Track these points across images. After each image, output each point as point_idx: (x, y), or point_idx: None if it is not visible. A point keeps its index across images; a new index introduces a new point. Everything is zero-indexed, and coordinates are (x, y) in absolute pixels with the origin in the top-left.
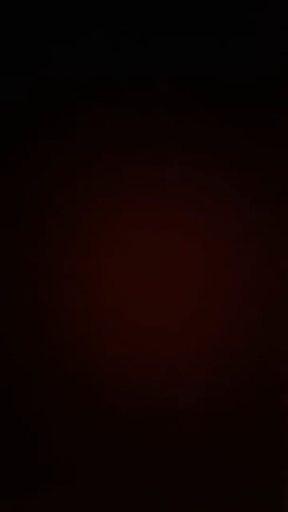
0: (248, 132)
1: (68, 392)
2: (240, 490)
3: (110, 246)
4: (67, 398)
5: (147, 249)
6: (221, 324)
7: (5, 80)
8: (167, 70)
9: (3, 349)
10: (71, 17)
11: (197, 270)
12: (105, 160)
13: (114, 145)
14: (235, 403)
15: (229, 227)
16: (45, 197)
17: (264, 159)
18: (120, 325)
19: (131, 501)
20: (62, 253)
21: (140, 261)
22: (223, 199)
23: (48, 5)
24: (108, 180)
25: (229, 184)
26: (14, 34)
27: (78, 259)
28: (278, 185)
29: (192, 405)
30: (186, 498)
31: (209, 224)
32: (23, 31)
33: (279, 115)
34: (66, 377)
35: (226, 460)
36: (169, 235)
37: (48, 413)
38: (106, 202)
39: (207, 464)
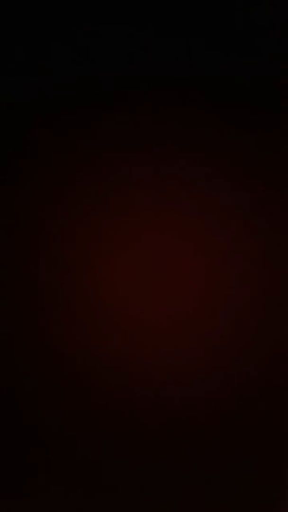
0: (248, 134)
1: (68, 389)
2: (240, 490)
3: (111, 245)
4: (67, 395)
5: (148, 248)
6: (223, 323)
7: (4, 80)
8: (167, 71)
9: (2, 346)
10: (71, 16)
11: (198, 270)
12: (105, 161)
13: (114, 146)
14: (236, 401)
15: (230, 228)
16: (45, 198)
17: (265, 161)
18: (121, 323)
19: (131, 499)
20: (62, 252)
21: (141, 260)
22: (223, 200)
23: (48, 4)
24: (109, 181)
25: (230, 186)
26: (14, 33)
27: (78, 257)
28: (279, 187)
29: (193, 403)
30: (186, 497)
31: (209, 224)
32: (23, 30)
33: (279, 117)
34: (66, 373)
35: (226, 459)
36: (170, 235)
37: (48, 410)
38: (107, 202)
39: (207, 462)
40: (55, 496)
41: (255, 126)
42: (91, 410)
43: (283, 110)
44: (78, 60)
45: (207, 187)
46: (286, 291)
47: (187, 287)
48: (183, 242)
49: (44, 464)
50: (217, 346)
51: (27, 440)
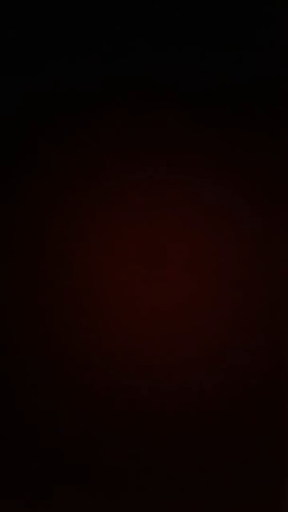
0: (247, 139)
1: (67, 385)
2: (239, 489)
3: (111, 245)
4: (65, 391)
5: (147, 249)
6: (223, 322)
7: (4, 85)
8: (167, 77)
9: (4, 345)
10: (72, 22)
11: (196, 271)
12: (105, 166)
13: (113, 151)
14: (235, 400)
15: (228, 231)
16: (46, 201)
17: (263, 165)
18: (120, 320)
19: (131, 498)
20: (62, 251)
21: (140, 262)
22: (223, 203)
23: (49, 11)
24: (108, 185)
25: (230, 190)
26: (15, 39)
27: (78, 257)
28: (277, 191)
29: (192, 401)
30: (185, 497)
31: (208, 227)
32: (23, 36)
33: (278, 122)
34: (64, 370)
35: (226, 456)
36: (168, 236)
37: (47, 407)
38: (107, 205)
39: (207, 459)
40: (54, 495)
41: (255, 132)
42: (92, 408)
43: (283, 117)
44: (78, 62)
45: (206, 190)
46: (284, 290)
47: (186, 287)
48: (183, 244)
49: (44, 463)
50: (217, 346)
51: (27, 439)
